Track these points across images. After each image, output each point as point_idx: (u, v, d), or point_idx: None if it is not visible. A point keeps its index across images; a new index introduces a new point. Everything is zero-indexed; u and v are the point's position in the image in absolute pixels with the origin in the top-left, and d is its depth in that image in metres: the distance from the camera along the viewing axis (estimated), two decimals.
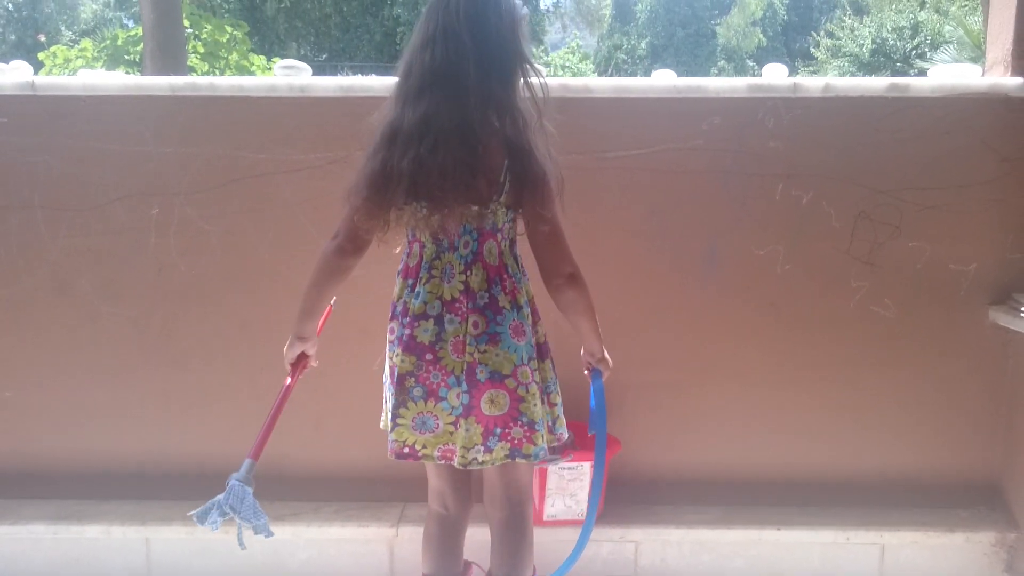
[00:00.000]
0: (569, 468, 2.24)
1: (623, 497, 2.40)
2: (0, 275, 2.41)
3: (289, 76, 2.29)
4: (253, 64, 12.19)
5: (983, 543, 2.34)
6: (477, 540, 2.06)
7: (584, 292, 1.82)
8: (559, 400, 1.88)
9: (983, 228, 2.32)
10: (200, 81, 2.30)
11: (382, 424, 1.92)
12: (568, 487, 2.27)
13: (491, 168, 1.70)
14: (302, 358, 1.95)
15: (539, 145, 1.74)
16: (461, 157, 1.67)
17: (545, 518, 2.30)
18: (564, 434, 1.90)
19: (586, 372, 1.96)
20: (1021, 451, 2.33)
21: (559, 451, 2.02)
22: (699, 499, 2.44)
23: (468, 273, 1.75)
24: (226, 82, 2.31)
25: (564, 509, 2.30)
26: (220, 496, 1.75)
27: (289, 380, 1.93)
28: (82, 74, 2.38)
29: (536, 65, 1.77)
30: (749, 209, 2.33)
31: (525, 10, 1.82)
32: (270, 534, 1.76)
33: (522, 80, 1.75)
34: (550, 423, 1.85)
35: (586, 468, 2.25)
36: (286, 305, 2.37)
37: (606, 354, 1.91)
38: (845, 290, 2.36)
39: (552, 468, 2.24)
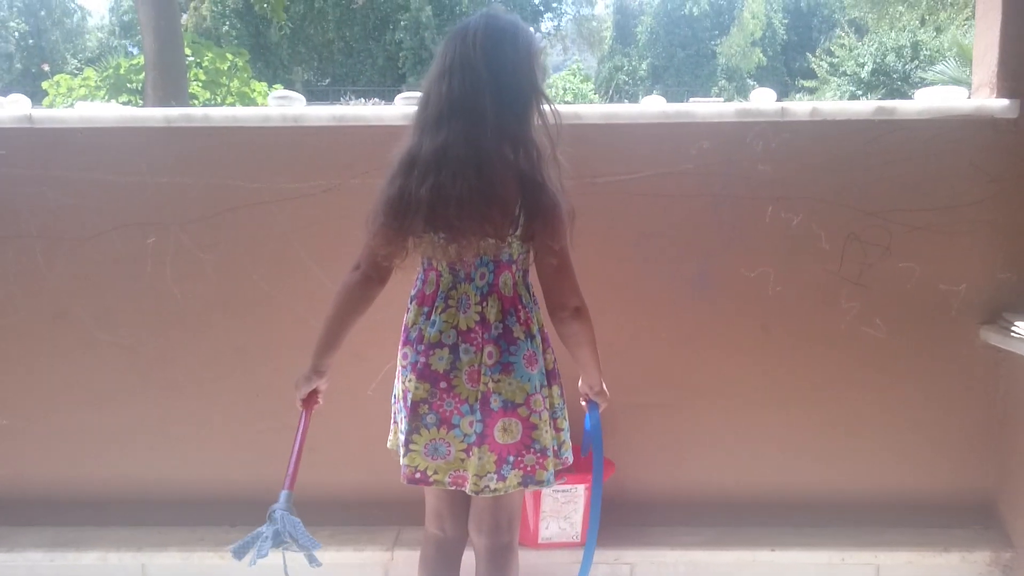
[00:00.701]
0: (563, 491, 2.25)
1: (618, 519, 2.39)
2: None
3: (283, 107, 2.32)
4: (255, 91, 12.27)
5: (978, 563, 2.34)
6: (468, 563, 2.06)
7: (588, 326, 1.83)
8: (565, 425, 1.89)
9: (972, 248, 2.34)
10: (195, 112, 2.34)
11: (389, 444, 1.95)
12: (563, 510, 2.28)
13: (506, 201, 1.72)
14: (313, 395, 1.96)
15: (552, 177, 1.76)
16: (478, 188, 1.69)
17: (540, 540, 2.30)
18: (569, 459, 1.91)
19: (583, 403, 1.98)
20: (1015, 470, 2.33)
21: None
22: (693, 520, 2.44)
23: (484, 304, 1.77)
24: (220, 113, 2.35)
25: (559, 531, 2.30)
26: (263, 528, 1.78)
27: (303, 419, 1.95)
28: (79, 106, 2.42)
29: (550, 98, 1.79)
30: (739, 232, 2.35)
31: (543, 43, 1.85)
32: (319, 564, 1.78)
33: (536, 113, 1.77)
34: (556, 447, 1.86)
35: (580, 490, 2.26)
36: (281, 331, 2.42)
37: (604, 387, 1.93)
38: (836, 311, 2.37)
39: (547, 491, 2.25)
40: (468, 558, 2.03)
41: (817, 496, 2.44)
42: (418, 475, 1.82)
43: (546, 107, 1.78)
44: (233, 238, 2.39)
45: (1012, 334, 2.17)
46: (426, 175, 1.71)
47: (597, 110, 2.31)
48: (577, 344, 1.84)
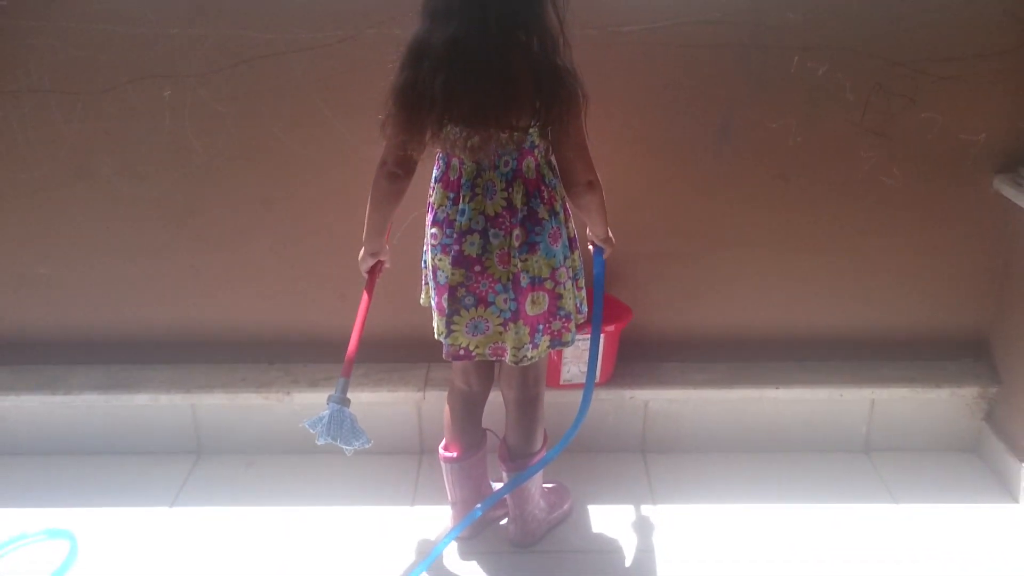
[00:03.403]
0: (583, 339, 2.38)
1: (637, 358, 2.56)
2: (20, 159, 2.43)
3: None
4: None
5: (967, 396, 2.53)
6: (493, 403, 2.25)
7: (599, 195, 1.93)
8: (583, 283, 2.04)
9: (997, 98, 2.33)
10: None
11: (422, 301, 2.11)
12: (582, 356, 2.43)
13: (523, 95, 1.72)
14: (378, 264, 2.10)
15: (567, 64, 1.74)
16: (492, 89, 1.69)
17: (561, 382, 2.48)
18: (586, 311, 2.08)
19: (590, 247, 2.10)
20: (1010, 311, 2.47)
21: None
22: (706, 357, 2.61)
23: (510, 190, 1.83)
24: None
25: (578, 374, 2.47)
26: (324, 414, 1.94)
27: (366, 296, 2.09)
28: None
29: None
30: (764, 83, 2.32)
31: None
32: (367, 443, 1.95)
33: None
34: (577, 304, 2.03)
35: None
36: (303, 181, 2.46)
37: (610, 234, 2.05)
38: (854, 161, 2.40)
39: None
40: (495, 397, 2.22)
41: (822, 334, 2.60)
42: (462, 351, 1.96)
43: None
44: (250, 90, 2.35)
45: (1022, 189, 2.22)
46: (438, 68, 1.70)
47: None
48: (588, 211, 1.96)
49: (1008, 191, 2.32)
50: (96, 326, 2.63)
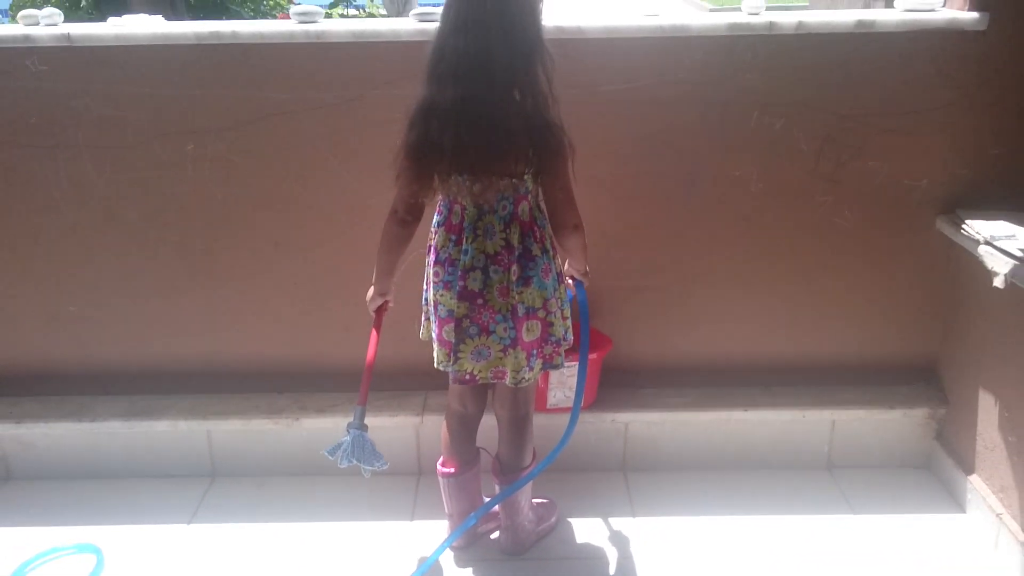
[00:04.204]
0: (568, 366, 2.61)
1: (616, 384, 2.80)
2: (53, 206, 2.68)
3: (305, 24, 2.47)
4: None
5: (918, 416, 2.77)
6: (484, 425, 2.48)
7: (582, 236, 2.17)
8: (568, 313, 2.26)
9: (935, 148, 2.59)
10: (223, 30, 2.48)
11: (421, 335, 2.33)
12: (566, 381, 2.66)
13: (520, 146, 1.98)
14: (384, 303, 2.35)
15: (556, 119, 2.00)
16: (494, 140, 1.95)
17: (548, 406, 2.70)
18: (571, 339, 2.29)
19: (570, 281, 2.33)
20: (955, 339, 2.71)
21: None
22: (679, 384, 2.85)
23: (508, 231, 2.08)
24: (247, 29, 2.49)
25: (563, 398, 2.70)
26: (346, 440, 2.22)
27: (375, 333, 2.36)
28: (112, 22, 2.55)
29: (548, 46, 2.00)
30: (727, 135, 2.59)
31: None
32: (385, 466, 2.25)
33: (540, 60, 1.98)
34: (563, 333, 2.24)
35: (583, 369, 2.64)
36: (313, 227, 2.70)
37: (588, 269, 2.30)
38: (810, 205, 2.66)
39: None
40: (488, 420, 2.44)
41: (785, 361, 2.84)
42: (467, 376, 2.19)
43: (547, 56, 1.99)
44: (266, 145, 2.61)
45: (962, 231, 2.48)
46: (446, 125, 1.96)
47: (599, 25, 2.48)
48: (572, 249, 2.21)
49: (948, 231, 2.57)
50: (120, 359, 2.86)
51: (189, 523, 2.63)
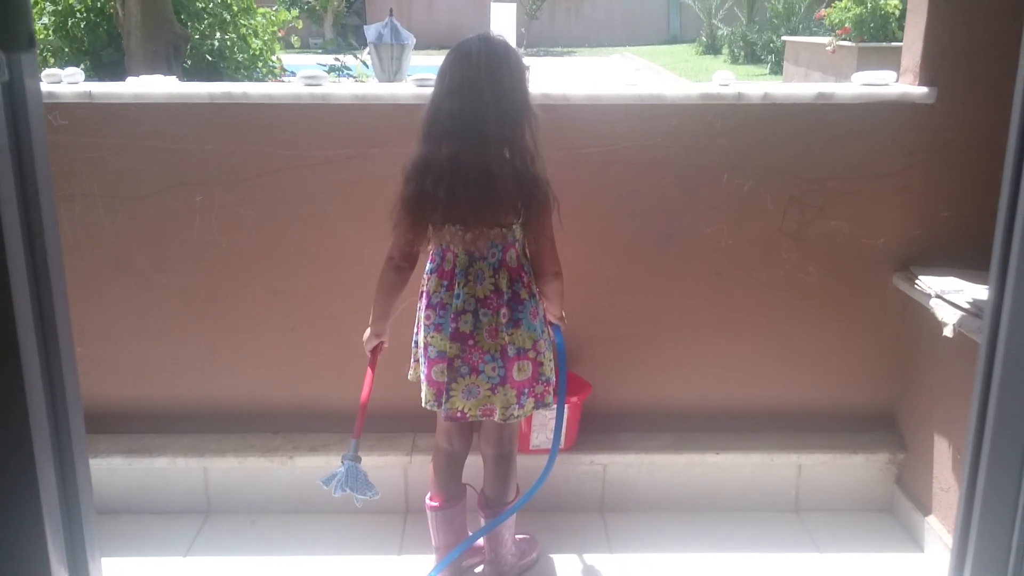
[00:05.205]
0: (554, 407, 2.77)
1: (595, 428, 2.95)
2: (67, 251, 2.80)
3: (311, 87, 2.68)
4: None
5: (879, 461, 2.93)
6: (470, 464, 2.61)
7: (561, 283, 2.38)
8: (551, 356, 2.41)
9: (892, 210, 2.81)
10: (234, 91, 2.69)
11: (410, 377, 2.47)
12: (548, 423, 2.81)
13: (509, 199, 2.18)
14: (379, 345, 2.49)
15: (541, 172, 2.21)
16: (486, 194, 2.15)
17: (531, 447, 2.85)
18: (554, 380, 2.43)
19: (547, 327, 2.47)
20: (913, 388, 2.89)
21: None
22: (655, 428, 3.00)
23: (497, 277, 2.26)
24: (257, 91, 2.70)
25: (545, 440, 2.85)
26: (340, 471, 2.37)
27: (370, 371, 2.48)
28: (131, 81, 2.75)
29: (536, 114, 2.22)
30: (700, 195, 2.80)
31: (528, 64, 2.26)
32: (376, 495, 2.40)
33: (527, 121, 2.20)
34: (549, 372, 2.40)
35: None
36: (313, 276, 2.86)
37: (563, 315, 2.46)
38: (776, 260, 2.86)
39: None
40: (473, 460, 2.58)
41: (754, 408, 3.01)
42: (458, 414, 2.34)
43: (534, 118, 2.22)
44: (271, 197, 2.80)
45: (915, 286, 2.68)
46: (440, 179, 2.16)
47: (583, 92, 2.71)
48: (550, 295, 2.39)
49: (904, 287, 2.78)
50: (123, 399, 2.98)
51: (185, 556, 2.74)
